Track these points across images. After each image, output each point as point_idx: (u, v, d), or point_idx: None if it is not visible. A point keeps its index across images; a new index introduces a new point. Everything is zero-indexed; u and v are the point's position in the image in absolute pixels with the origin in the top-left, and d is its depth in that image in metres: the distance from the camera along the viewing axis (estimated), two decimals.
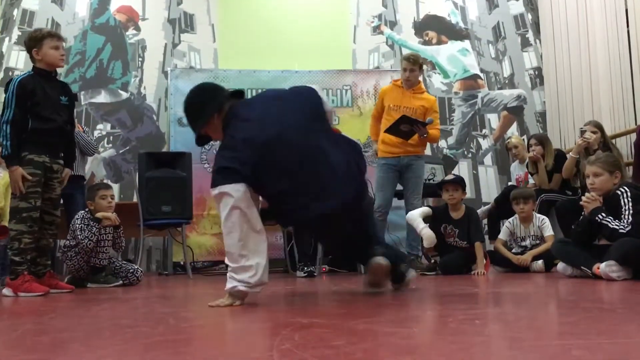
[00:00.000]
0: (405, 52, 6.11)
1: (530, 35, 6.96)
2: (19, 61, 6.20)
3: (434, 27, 6.93)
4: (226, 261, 2.34)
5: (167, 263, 5.56)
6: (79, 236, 3.77)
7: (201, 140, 2.65)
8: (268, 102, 2.56)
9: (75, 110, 3.84)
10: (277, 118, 2.43)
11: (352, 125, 5.95)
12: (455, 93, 6.82)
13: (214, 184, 2.30)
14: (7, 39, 6.32)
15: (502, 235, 4.55)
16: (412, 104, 4.58)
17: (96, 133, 6.30)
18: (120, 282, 3.95)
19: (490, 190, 6.55)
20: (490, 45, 6.94)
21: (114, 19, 6.56)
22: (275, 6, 6.83)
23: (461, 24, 6.96)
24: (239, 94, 2.63)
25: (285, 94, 2.64)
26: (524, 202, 4.42)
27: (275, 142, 2.35)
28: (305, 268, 4.45)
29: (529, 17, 6.99)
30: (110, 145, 6.34)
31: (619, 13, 5.28)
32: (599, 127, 4.63)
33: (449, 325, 1.70)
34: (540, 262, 4.19)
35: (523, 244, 4.43)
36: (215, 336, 1.74)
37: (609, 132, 4.94)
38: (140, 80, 6.49)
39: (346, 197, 2.39)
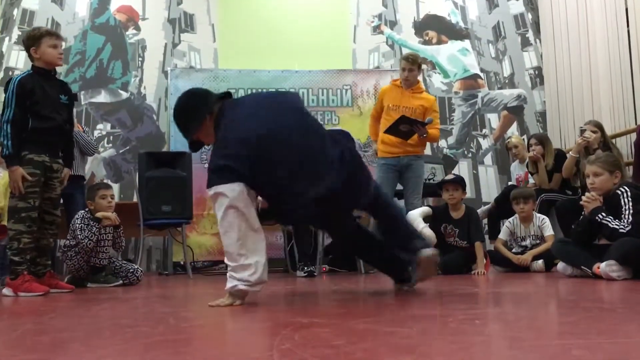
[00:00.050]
0: (406, 52, 6.11)
1: (530, 34, 6.96)
2: (19, 61, 6.20)
3: (434, 27, 6.93)
4: (225, 261, 2.34)
5: (167, 263, 5.56)
6: (79, 236, 3.77)
7: (194, 146, 2.63)
8: (259, 100, 2.58)
9: (75, 110, 3.85)
10: (270, 113, 2.45)
11: (352, 125, 5.95)
12: (456, 93, 6.82)
13: (210, 184, 2.30)
14: (7, 39, 6.32)
15: (502, 235, 4.55)
16: (411, 103, 4.58)
17: (96, 133, 6.30)
18: (120, 281, 3.95)
19: (490, 190, 6.55)
20: (490, 44, 6.94)
21: (114, 19, 6.56)
22: (275, 6, 6.83)
23: (461, 24, 6.96)
24: (227, 95, 2.62)
25: (274, 93, 2.75)
26: (524, 202, 4.42)
27: (269, 136, 2.35)
28: (306, 268, 4.45)
29: (529, 16, 6.99)
30: (110, 145, 6.35)
31: (619, 12, 5.28)
32: (599, 127, 4.63)
33: (449, 325, 1.70)
34: (540, 261, 4.19)
35: (523, 243, 4.43)
36: (216, 336, 1.74)
37: (609, 131, 4.94)
38: (140, 80, 6.49)
39: (336, 183, 2.35)
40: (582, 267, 3.32)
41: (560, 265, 3.60)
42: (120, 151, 6.34)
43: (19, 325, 2.02)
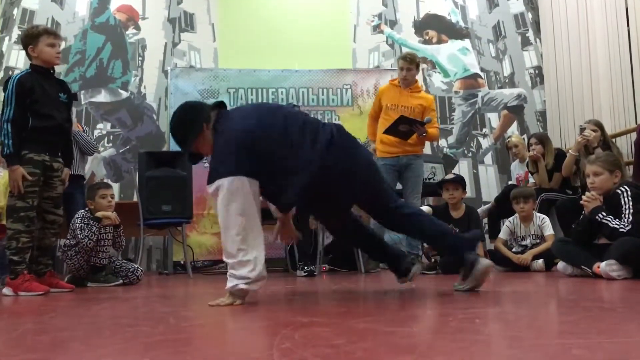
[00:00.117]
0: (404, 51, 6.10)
1: (530, 34, 6.96)
2: (19, 60, 6.21)
3: (434, 26, 6.93)
4: (224, 258, 2.34)
5: (167, 262, 5.56)
6: (79, 235, 3.77)
7: (193, 158, 2.64)
8: (256, 105, 2.74)
9: (75, 110, 3.85)
10: (266, 111, 2.53)
11: (352, 125, 5.93)
12: (456, 92, 6.82)
13: (210, 180, 2.31)
14: (7, 38, 6.32)
15: (503, 234, 4.55)
16: (409, 102, 4.59)
17: (96, 132, 6.31)
18: (121, 281, 3.95)
19: (490, 190, 6.55)
20: (490, 44, 6.94)
21: (114, 18, 6.56)
22: (275, 5, 6.83)
23: (461, 23, 6.96)
24: (221, 104, 2.64)
25: (273, 104, 2.82)
26: (524, 202, 4.42)
27: (264, 130, 2.39)
28: (306, 267, 4.45)
29: (529, 16, 6.99)
30: (111, 144, 6.35)
31: (619, 12, 5.28)
32: (599, 126, 4.63)
33: (449, 324, 1.70)
34: (540, 261, 4.19)
35: (523, 243, 4.43)
36: (216, 335, 1.74)
37: (609, 131, 4.94)
38: (141, 80, 6.49)
39: (314, 164, 2.35)
40: (582, 266, 3.32)
41: (561, 265, 3.60)
42: (120, 151, 6.34)
43: (19, 324, 2.02)
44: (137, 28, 6.59)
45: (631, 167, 4.57)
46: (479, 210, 5.08)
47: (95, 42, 6.47)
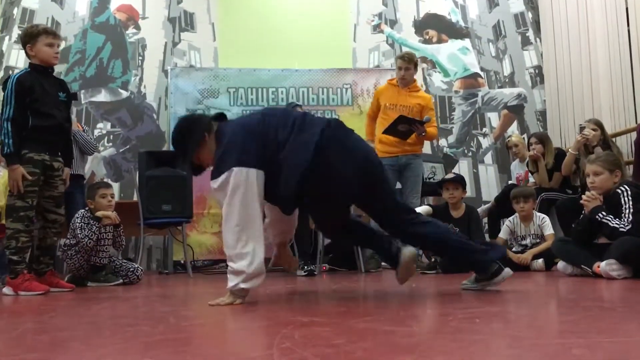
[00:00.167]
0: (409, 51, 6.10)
1: (530, 33, 6.95)
2: (19, 60, 6.20)
3: (434, 26, 6.93)
4: (224, 248, 2.34)
5: (168, 262, 5.56)
6: (79, 235, 3.77)
7: (196, 170, 2.62)
8: (254, 113, 2.69)
9: (75, 109, 3.84)
10: (268, 111, 2.60)
11: (352, 124, 5.82)
12: (456, 92, 6.82)
13: (215, 175, 2.32)
14: (7, 38, 6.32)
15: (503, 234, 4.55)
16: (408, 102, 4.59)
17: (96, 132, 6.30)
18: (121, 281, 3.95)
19: (490, 189, 6.55)
20: (490, 43, 6.94)
21: (114, 18, 6.56)
22: (275, 5, 6.83)
23: (461, 23, 6.96)
24: (222, 116, 2.64)
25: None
26: (524, 201, 4.42)
27: (267, 126, 2.41)
28: (306, 267, 4.45)
29: (529, 15, 6.99)
30: (111, 144, 6.35)
31: (619, 11, 5.28)
32: (599, 125, 4.62)
33: (449, 324, 1.70)
34: (540, 260, 4.19)
35: (523, 242, 4.43)
36: (216, 335, 1.74)
37: (609, 130, 4.94)
38: (141, 79, 6.49)
39: (309, 152, 2.33)
40: (582, 266, 3.32)
41: (561, 264, 3.60)
42: (121, 150, 6.34)
43: (19, 324, 2.02)
44: (137, 27, 6.58)
45: (631, 166, 4.57)
46: (479, 209, 5.08)
47: (95, 41, 6.47)
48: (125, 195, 6.18)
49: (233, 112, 6.09)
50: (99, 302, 2.78)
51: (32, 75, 3.31)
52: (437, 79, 6.82)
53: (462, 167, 6.61)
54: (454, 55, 6.88)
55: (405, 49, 6.44)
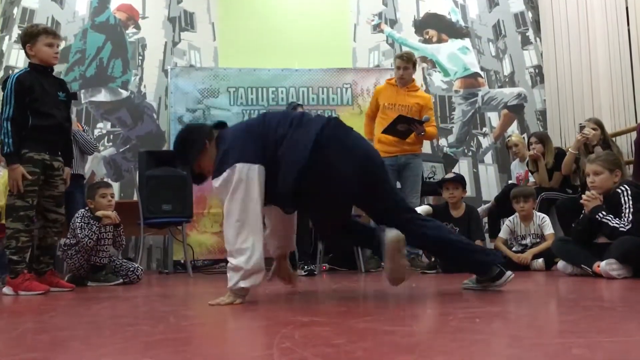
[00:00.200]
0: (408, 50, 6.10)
1: (530, 33, 6.95)
2: (19, 60, 6.20)
3: (434, 26, 6.93)
4: (225, 245, 2.35)
5: (168, 261, 5.56)
6: (79, 235, 3.77)
7: (198, 178, 2.61)
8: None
9: (74, 109, 3.84)
10: (268, 114, 2.58)
11: (352, 124, 5.78)
12: (456, 91, 6.82)
13: (216, 174, 2.33)
14: (7, 38, 6.32)
15: (503, 233, 4.55)
16: (407, 101, 4.59)
17: (96, 132, 6.30)
18: (121, 280, 3.95)
19: (490, 189, 6.55)
20: (490, 43, 6.94)
21: (114, 18, 6.55)
22: (275, 4, 6.82)
23: (461, 22, 6.96)
24: (222, 124, 2.65)
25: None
26: (524, 201, 4.42)
27: (267, 127, 2.43)
28: (306, 267, 4.45)
29: (529, 15, 6.98)
30: (111, 143, 6.34)
31: (619, 11, 5.28)
32: (599, 125, 4.62)
33: (449, 323, 1.70)
34: (540, 260, 4.19)
35: (523, 242, 4.43)
36: (216, 335, 1.74)
37: (609, 130, 4.94)
38: (141, 79, 6.49)
39: (307, 149, 2.33)
40: (582, 265, 3.32)
41: (561, 264, 3.60)
42: (121, 150, 6.34)
43: (20, 324, 2.02)
44: (137, 27, 6.58)
45: (631, 166, 4.57)
46: (479, 209, 5.08)
47: (95, 41, 6.47)
48: (125, 195, 6.18)
49: (233, 112, 6.09)
50: (99, 301, 2.78)
51: (31, 75, 3.31)
52: (437, 79, 6.82)
53: (462, 167, 6.61)
54: (454, 55, 6.88)
55: (405, 49, 6.45)
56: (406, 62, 4.58)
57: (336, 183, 2.38)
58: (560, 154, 4.97)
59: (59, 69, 5.82)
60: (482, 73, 6.86)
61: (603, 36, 5.49)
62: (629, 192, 3.28)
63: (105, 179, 5.90)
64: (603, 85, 5.50)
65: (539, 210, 4.56)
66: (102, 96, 6.40)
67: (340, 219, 2.61)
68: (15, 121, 3.20)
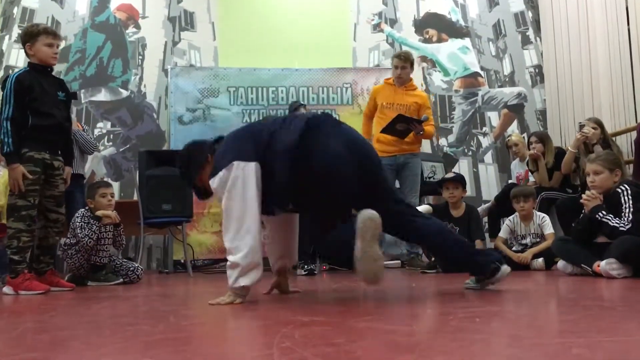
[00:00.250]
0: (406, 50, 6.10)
1: (530, 32, 6.95)
2: (19, 59, 6.20)
3: (434, 25, 6.93)
4: (224, 242, 2.36)
5: (168, 261, 5.56)
6: (79, 234, 3.77)
7: (202, 194, 2.61)
8: None
9: (74, 108, 3.84)
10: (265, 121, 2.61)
11: (352, 123, 5.79)
12: (456, 91, 6.82)
13: (213, 174, 2.34)
14: (7, 37, 6.32)
15: (503, 233, 4.55)
16: (405, 100, 4.59)
17: (96, 131, 6.30)
18: (121, 280, 3.96)
19: (490, 188, 6.55)
20: (490, 43, 6.94)
21: (114, 17, 6.55)
22: (275, 4, 6.82)
23: (461, 22, 6.96)
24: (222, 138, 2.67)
25: None
26: (524, 200, 4.42)
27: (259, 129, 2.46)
28: (306, 266, 4.45)
29: (529, 14, 6.98)
30: (111, 143, 6.34)
31: (619, 10, 5.28)
32: (599, 124, 4.62)
33: (449, 323, 1.70)
34: (540, 260, 4.19)
35: (523, 242, 4.43)
36: (216, 334, 1.74)
37: (609, 129, 4.93)
38: (141, 79, 6.49)
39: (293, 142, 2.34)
40: (582, 265, 3.32)
41: (561, 264, 3.60)
42: (121, 149, 6.34)
43: (20, 323, 2.02)
44: (137, 27, 6.58)
45: (631, 165, 4.57)
46: (479, 209, 5.08)
47: (95, 40, 6.47)
48: (126, 195, 6.18)
49: (233, 112, 6.09)
50: (99, 301, 2.78)
51: (31, 75, 3.31)
52: (437, 78, 6.82)
53: (462, 167, 6.61)
54: (454, 55, 6.88)
55: (405, 48, 6.45)
56: (404, 61, 4.59)
57: (330, 162, 2.32)
58: (560, 153, 4.96)
59: (58, 68, 5.82)
60: (482, 73, 6.86)
61: (603, 36, 5.49)
62: (629, 191, 3.28)
63: (105, 179, 5.90)
64: (603, 85, 5.50)
65: (539, 210, 4.56)
66: (102, 96, 6.40)
67: (341, 216, 2.48)
68: (15, 121, 3.20)
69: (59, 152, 3.48)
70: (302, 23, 6.71)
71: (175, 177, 4.97)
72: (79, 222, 3.82)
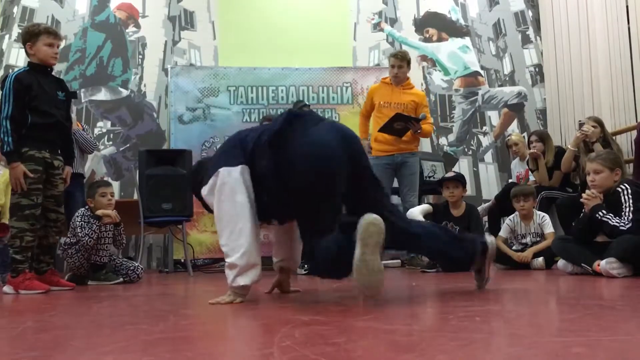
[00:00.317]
0: (405, 49, 6.09)
1: (530, 32, 6.95)
2: (19, 59, 6.20)
3: (434, 24, 6.93)
4: (221, 247, 2.37)
5: (168, 260, 5.56)
6: (79, 234, 3.77)
7: (209, 208, 2.59)
8: None
9: (75, 108, 3.84)
10: None
11: (353, 123, 5.92)
12: (456, 90, 6.81)
13: (205, 183, 2.39)
14: (7, 37, 6.32)
15: (503, 232, 4.55)
16: (402, 99, 4.60)
17: (96, 131, 6.30)
18: (121, 279, 3.96)
19: (490, 188, 6.55)
20: (490, 42, 6.94)
21: (114, 16, 6.55)
22: (275, 3, 6.82)
23: (462, 21, 6.95)
24: None
25: None
26: (524, 200, 4.42)
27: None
28: (306, 266, 4.45)
29: (529, 14, 6.98)
30: (111, 142, 6.35)
31: (620, 10, 5.28)
32: (598, 122, 4.61)
33: (449, 322, 1.70)
34: (540, 259, 4.19)
35: (523, 241, 4.43)
36: (216, 333, 1.74)
37: (609, 129, 4.93)
38: (141, 78, 6.49)
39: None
40: (583, 264, 3.32)
41: (561, 263, 3.60)
42: (121, 149, 6.34)
43: (20, 322, 2.02)
44: (137, 26, 6.58)
45: (631, 165, 4.57)
46: (479, 208, 5.08)
47: (96, 40, 6.46)
48: (126, 194, 6.18)
49: (233, 111, 6.09)
50: (99, 300, 2.78)
51: (30, 74, 3.31)
52: (437, 78, 6.82)
53: (462, 166, 6.61)
54: (454, 54, 6.87)
55: (405, 48, 6.45)
56: (400, 60, 4.60)
57: (315, 141, 2.27)
58: (560, 152, 4.96)
59: (58, 68, 5.82)
60: (482, 72, 6.86)
61: (603, 35, 5.48)
62: (629, 190, 3.28)
63: (105, 178, 5.91)
64: (603, 84, 5.50)
65: (539, 209, 4.56)
66: (102, 95, 6.40)
67: (331, 209, 2.31)
68: (14, 119, 3.20)
69: (59, 152, 3.48)
70: (302, 22, 6.71)
71: (176, 177, 5.04)
72: (79, 222, 3.82)
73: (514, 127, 6.75)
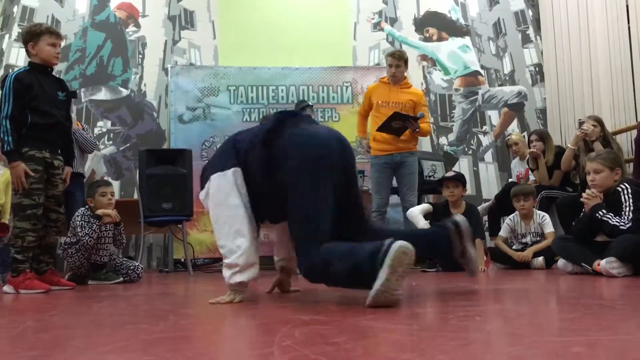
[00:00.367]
0: (405, 49, 6.10)
1: (530, 31, 6.95)
2: (19, 58, 6.20)
3: (434, 24, 6.93)
4: (219, 249, 2.39)
5: (168, 260, 5.57)
6: (80, 233, 3.77)
7: None
8: None
9: (75, 108, 3.84)
10: None
11: (352, 122, 5.93)
12: (456, 90, 6.81)
13: (201, 188, 2.46)
14: (7, 36, 6.32)
15: (503, 232, 4.55)
16: (400, 98, 4.60)
17: (96, 130, 6.30)
18: (121, 279, 3.96)
19: (490, 187, 6.55)
20: (490, 41, 6.93)
21: (114, 16, 6.55)
22: (275, 3, 6.82)
23: (462, 21, 6.95)
24: None
25: None
26: (525, 199, 4.42)
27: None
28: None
29: (529, 13, 6.98)
30: (111, 142, 6.35)
31: (620, 9, 5.28)
32: (598, 122, 4.62)
33: (449, 321, 1.70)
34: (540, 258, 4.19)
35: (523, 240, 4.44)
36: (216, 333, 1.74)
37: (609, 128, 4.93)
38: (141, 77, 6.49)
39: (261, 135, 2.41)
40: (583, 264, 3.32)
41: (561, 262, 3.60)
42: (121, 148, 6.34)
43: (20, 322, 2.02)
44: (137, 26, 6.58)
45: (631, 164, 4.57)
46: (479, 207, 5.08)
47: (96, 39, 6.47)
48: (126, 194, 6.18)
49: (233, 111, 6.10)
50: (100, 300, 2.78)
51: (30, 74, 3.31)
52: (437, 77, 6.82)
53: (463, 165, 6.61)
54: (454, 53, 6.87)
55: (405, 47, 6.45)
56: (398, 59, 4.60)
57: (309, 134, 2.31)
58: (560, 152, 4.96)
59: (59, 67, 5.82)
60: (482, 71, 6.86)
61: (603, 34, 5.48)
62: (629, 190, 3.28)
63: (105, 178, 5.90)
64: (603, 84, 5.50)
65: (539, 209, 4.57)
66: (102, 95, 6.40)
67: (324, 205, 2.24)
68: (14, 119, 3.19)
69: (59, 152, 3.48)
70: (303, 22, 6.71)
71: (176, 176, 5.04)
72: (79, 221, 3.82)
73: (514, 127, 6.75)
